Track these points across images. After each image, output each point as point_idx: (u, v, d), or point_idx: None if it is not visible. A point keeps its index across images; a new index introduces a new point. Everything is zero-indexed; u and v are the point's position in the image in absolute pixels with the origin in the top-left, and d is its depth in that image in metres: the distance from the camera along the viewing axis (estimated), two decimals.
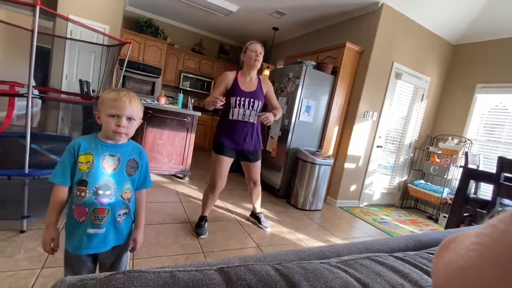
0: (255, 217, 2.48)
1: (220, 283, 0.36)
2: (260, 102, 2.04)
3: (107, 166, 0.90)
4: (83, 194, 0.87)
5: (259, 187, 2.35)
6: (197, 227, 2.09)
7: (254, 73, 2.08)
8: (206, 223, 2.15)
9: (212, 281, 0.36)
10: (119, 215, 0.94)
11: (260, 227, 2.39)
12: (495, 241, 0.19)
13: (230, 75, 2.01)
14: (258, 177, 2.28)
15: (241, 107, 1.98)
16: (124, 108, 0.87)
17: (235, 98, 1.96)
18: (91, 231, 0.89)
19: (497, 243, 0.19)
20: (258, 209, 2.45)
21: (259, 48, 2.01)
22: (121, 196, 0.93)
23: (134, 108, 0.89)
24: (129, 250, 1.01)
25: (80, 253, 0.90)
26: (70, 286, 0.32)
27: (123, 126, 0.87)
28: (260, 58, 2.00)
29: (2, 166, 1.67)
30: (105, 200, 0.89)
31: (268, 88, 2.15)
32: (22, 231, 1.67)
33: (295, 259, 0.59)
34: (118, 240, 0.96)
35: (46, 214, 0.89)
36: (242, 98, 1.97)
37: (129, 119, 0.89)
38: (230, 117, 2.00)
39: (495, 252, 0.18)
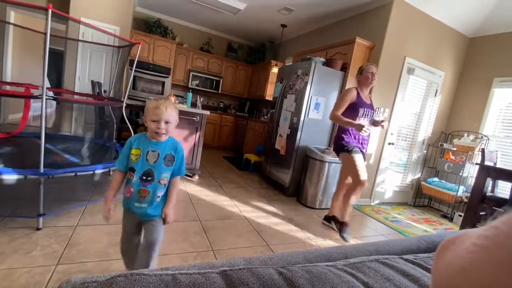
0: (335, 221, 2.51)
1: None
2: (374, 112, 2.41)
3: (150, 159, 1.18)
4: (131, 177, 1.18)
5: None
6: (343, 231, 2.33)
7: (368, 90, 2.40)
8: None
9: (214, 285, 0.36)
10: (158, 196, 1.21)
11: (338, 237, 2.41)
12: (497, 244, 0.19)
13: (354, 91, 2.31)
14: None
15: (366, 116, 2.32)
16: (161, 114, 1.14)
17: (363, 109, 2.29)
18: (136, 204, 1.19)
19: (499, 246, 0.18)
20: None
21: (374, 69, 2.29)
22: (159, 182, 1.20)
23: (169, 114, 1.15)
24: (163, 223, 1.23)
25: (129, 216, 1.23)
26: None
27: (162, 128, 1.15)
28: (376, 77, 2.30)
29: (18, 166, 1.73)
30: (147, 184, 1.18)
31: (373, 103, 2.47)
32: (38, 229, 1.72)
33: (302, 261, 0.58)
34: (155, 214, 1.22)
35: (108, 195, 1.21)
36: (367, 109, 2.31)
37: (166, 122, 1.16)
38: None
39: (497, 255, 0.18)
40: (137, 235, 1.27)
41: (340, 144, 2.36)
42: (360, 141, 2.36)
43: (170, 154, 1.21)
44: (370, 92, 2.46)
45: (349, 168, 2.33)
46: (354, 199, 2.33)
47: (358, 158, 2.26)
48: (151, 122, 1.15)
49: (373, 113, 2.37)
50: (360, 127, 2.13)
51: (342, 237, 2.33)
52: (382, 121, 2.30)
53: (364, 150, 2.39)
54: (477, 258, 0.20)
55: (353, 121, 2.21)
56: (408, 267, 0.55)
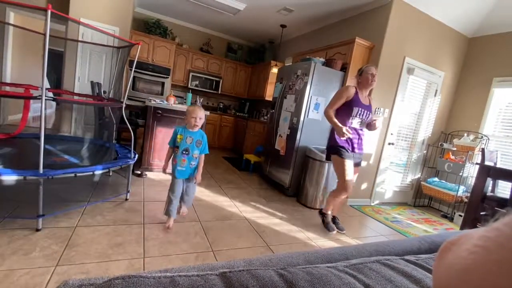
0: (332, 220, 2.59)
1: None
2: (371, 114, 2.37)
3: (187, 141, 2.03)
4: (177, 151, 2.04)
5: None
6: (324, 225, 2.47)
7: (368, 92, 2.37)
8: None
9: None
10: (191, 164, 2.07)
11: (338, 231, 2.54)
12: (499, 245, 0.18)
13: (352, 89, 2.29)
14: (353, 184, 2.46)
15: (360, 117, 2.29)
16: (197, 113, 2.00)
17: (357, 108, 2.27)
18: (179, 168, 2.04)
19: (501, 248, 0.18)
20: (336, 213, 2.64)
21: (374, 71, 2.26)
22: (192, 155, 2.06)
23: (201, 113, 2.03)
24: (194, 183, 2.16)
25: (176, 176, 2.06)
26: None
27: (198, 121, 2.01)
28: (376, 79, 2.27)
29: (18, 167, 1.73)
30: (185, 156, 2.03)
31: (372, 105, 2.43)
32: (37, 230, 1.72)
33: (302, 262, 0.58)
34: (190, 174, 2.11)
35: (165, 160, 2.14)
36: (362, 110, 2.29)
37: (200, 118, 2.02)
38: (349, 125, 2.30)
39: (499, 257, 0.18)
40: (179, 187, 2.09)
41: (332, 146, 2.36)
42: (356, 142, 2.35)
43: (199, 139, 2.07)
44: (370, 94, 2.44)
45: (338, 171, 2.35)
46: (336, 201, 2.45)
47: (348, 163, 2.28)
48: (191, 118, 2.00)
49: (369, 114, 2.33)
50: (339, 131, 2.17)
51: (339, 229, 2.53)
52: (374, 120, 2.30)
53: (360, 150, 2.38)
54: (479, 259, 0.20)
55: (337, 123, 2.22)
56: (410, 268, 0.54)
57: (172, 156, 2.09)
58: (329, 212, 2.51)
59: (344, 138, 2.20)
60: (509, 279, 0.17)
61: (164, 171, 2.14)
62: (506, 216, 0.20)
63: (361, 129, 2.39)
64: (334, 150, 2.33)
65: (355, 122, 2.31)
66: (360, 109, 2.28)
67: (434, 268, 0.27)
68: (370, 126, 2.38)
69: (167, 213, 2.05)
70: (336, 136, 2.31)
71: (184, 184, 2.12)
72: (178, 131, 2.04)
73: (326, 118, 2.32)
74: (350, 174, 2.29)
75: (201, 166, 2.11)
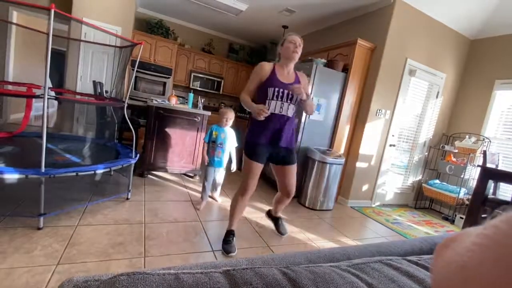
0: (274, 219, 2.33)
1: (225, 287, 0.35)
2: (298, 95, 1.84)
3: (222, 136, 2.55)
4: (212, 145, 2.57)
5: (290, 199, 2.13)
6: (225, 243, 1.90)
7: (291, 66, 1.92)
8: (234, 238, 1.94)
9: (217, 285, 0.36)
10: (224, 155, 2.59)
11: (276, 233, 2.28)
12: (496, 242, 0.19)
13: (267, 66, 1.87)
14: (293, 187, 2.04)
15: (279, 99, 1.81)
16: (227, 115, 2.56)
17: (273, 89, 1.80)
18: (216, 158, 2.57)
19: (498, 245, 0.18)
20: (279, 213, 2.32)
21: (298, 40, 1.84)
22: (225, 148, 2.57)
23: (231, 115, 2.59)
24: (232, 169, 2.70)
25: (213, 166, 2.58)
26: (75, 287, 0.32)
27: (229, 121, 2.57)
28: (299, 50, 1.84)
29: (20, 165, 1.73)
30: (220, 148, 2.56)
31: (304, 82, 1.98)
32: (39, 228, 1.72)
33: (304, 262, 0.58)
34: (221, 165, 2.61)
35: (202, 154, 2.64)
36: (281, 90, 1.81)
37: (230, 119, 2.57)
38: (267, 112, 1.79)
39: (496, 254, 0.18)
40: (212, 175, 2.60)
41: (246, 140, 1.92)
42: (277, 132, 1.86)
43: (230, 135, 2.59)
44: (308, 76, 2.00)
45: (244, 171, 1.92)
46: (239, 205, 1.96)
47: (254, 167, 1.85)
48: (223, 118, 2.53)
49: (295, 95, 1.82)
50: (255, 112, 1.72)
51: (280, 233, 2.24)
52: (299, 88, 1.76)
53: (285, 144, 1.90)
54: (477, 256, 0.20)
55: (252, 104, 1.79)
56: (412, 268, 0.54)
57: (207, 150, 2.59)
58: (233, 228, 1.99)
59: (262, 118, 1.71)
60: (506, 276, 0.17)
61: (205, 162, 2.57)
62: (504, 214, 0.20)
63: (287, 116, 1.86)
64: (246, 144, 1.91)
65: (273, 106, 1.81)
66: (277, 89, 1.80)
67: (432, 266, 0.27)
68: (304, 106, 1.89)
69: (203, 197, 2.58)
70: (251, 129, 1.91)
71: (215, 172, 2.63)
72: (213, 129, 2.57)
73: (242, 104, 1.91)
74: (253, 174, 1.87)
75: (234, 156, 2.69)
